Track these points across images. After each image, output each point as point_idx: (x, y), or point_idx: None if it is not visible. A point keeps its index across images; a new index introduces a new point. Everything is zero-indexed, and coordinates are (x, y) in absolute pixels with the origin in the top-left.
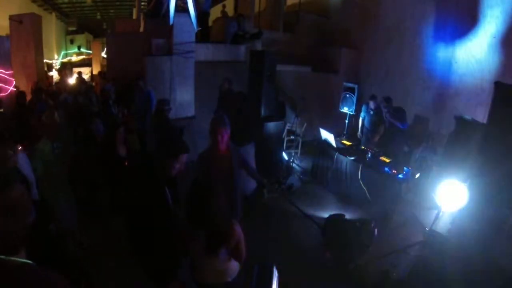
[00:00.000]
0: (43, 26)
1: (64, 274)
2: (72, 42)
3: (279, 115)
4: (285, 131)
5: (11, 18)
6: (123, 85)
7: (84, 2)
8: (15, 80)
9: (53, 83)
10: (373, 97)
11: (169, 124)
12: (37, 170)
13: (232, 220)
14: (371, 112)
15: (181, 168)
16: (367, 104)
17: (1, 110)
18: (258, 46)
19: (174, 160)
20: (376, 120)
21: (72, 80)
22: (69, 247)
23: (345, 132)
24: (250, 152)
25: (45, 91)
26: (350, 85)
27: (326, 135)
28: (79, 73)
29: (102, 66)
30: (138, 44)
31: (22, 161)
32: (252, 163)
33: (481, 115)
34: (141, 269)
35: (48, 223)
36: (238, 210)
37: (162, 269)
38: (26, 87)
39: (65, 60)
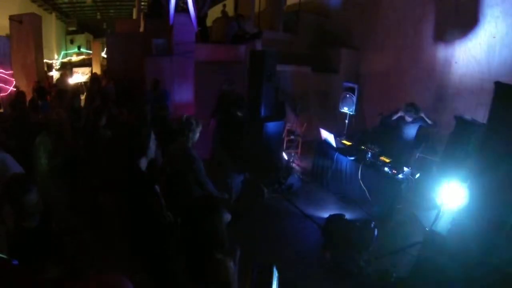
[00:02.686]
0: (43, 26)
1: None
2: (72, 42)
3: (279, 115)
4: (285, 131)
5: (11, 18)
6: (123, 85)
7: (84, 2)
8: (15, 80)
9: (53, 83)
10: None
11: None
12: (41, 165)
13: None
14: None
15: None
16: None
17: (1, 110)
18: (258, 46)
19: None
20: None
21: (73, 81)
22: (68, 245)
23: (345, 132)
24: None
25: (49, 92)
26: (350, 85)
27: (326, 135)
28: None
29: (102, 66)
30: (138, 44)
31: (10, 161)
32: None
33: (481, 115)
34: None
35: (49, 222)
36: None
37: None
38: (26, 87)
39: (65, 60)
